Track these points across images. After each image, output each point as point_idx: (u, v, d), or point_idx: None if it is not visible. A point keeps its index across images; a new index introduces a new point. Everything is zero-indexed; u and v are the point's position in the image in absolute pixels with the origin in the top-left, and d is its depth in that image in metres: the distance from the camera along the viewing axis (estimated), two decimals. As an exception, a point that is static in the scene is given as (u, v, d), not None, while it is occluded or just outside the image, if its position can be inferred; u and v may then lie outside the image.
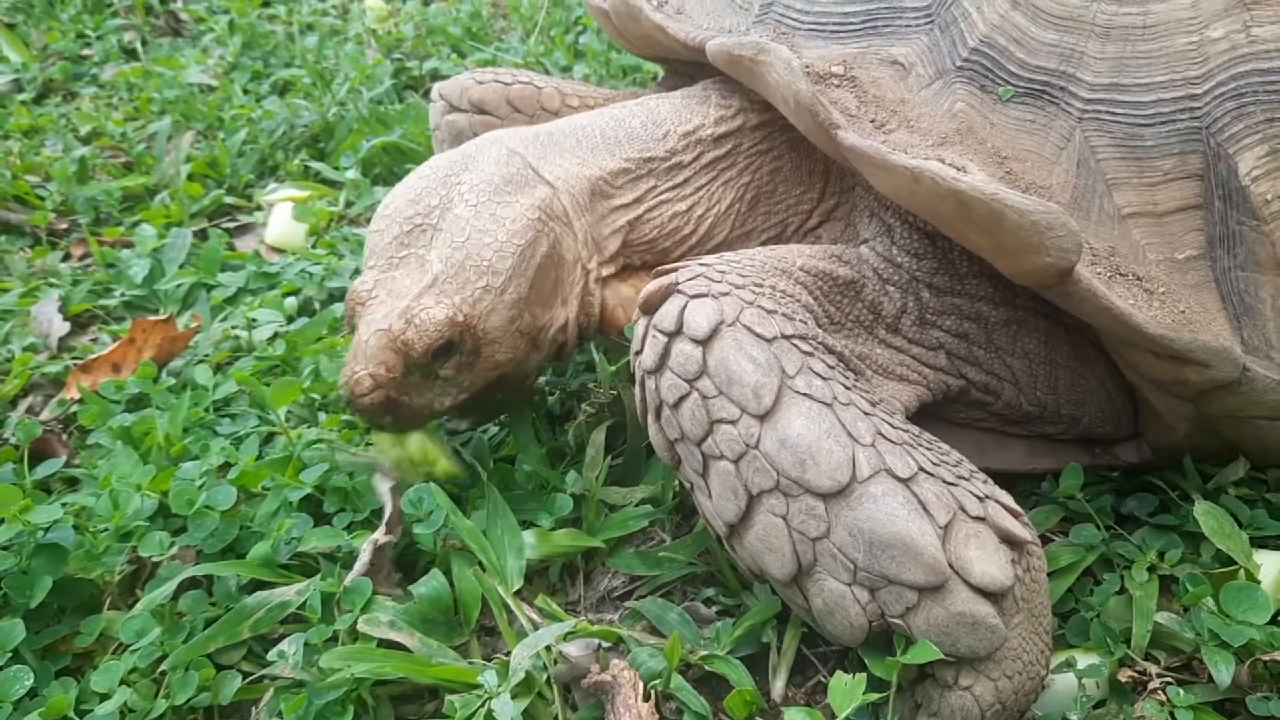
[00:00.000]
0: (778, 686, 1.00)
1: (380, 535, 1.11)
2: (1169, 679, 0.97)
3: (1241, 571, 1.02)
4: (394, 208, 1.16)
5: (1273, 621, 0.99)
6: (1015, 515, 0.90)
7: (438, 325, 1.08)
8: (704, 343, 0.92)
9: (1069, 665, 0.96)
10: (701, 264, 1.00)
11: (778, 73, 1.06)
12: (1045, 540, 1.13)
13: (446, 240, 1.12)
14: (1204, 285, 1.01)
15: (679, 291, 0.96)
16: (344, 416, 1.35)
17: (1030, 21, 1.03)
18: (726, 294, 0.95)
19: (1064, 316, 1.08)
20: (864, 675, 0.89)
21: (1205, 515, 1.06)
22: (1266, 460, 1.16)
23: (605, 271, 1.23)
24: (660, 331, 0.95)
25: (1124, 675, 0.96)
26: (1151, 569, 1.06)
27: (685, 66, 1.44)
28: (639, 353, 0.99)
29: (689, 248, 1.24)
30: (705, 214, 1.25)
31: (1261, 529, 1.11)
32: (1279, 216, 0.99)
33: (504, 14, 3.08)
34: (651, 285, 1.00)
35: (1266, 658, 0.94)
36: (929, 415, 1.14)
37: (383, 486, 1.17)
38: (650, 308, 0.98)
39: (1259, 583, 1.01)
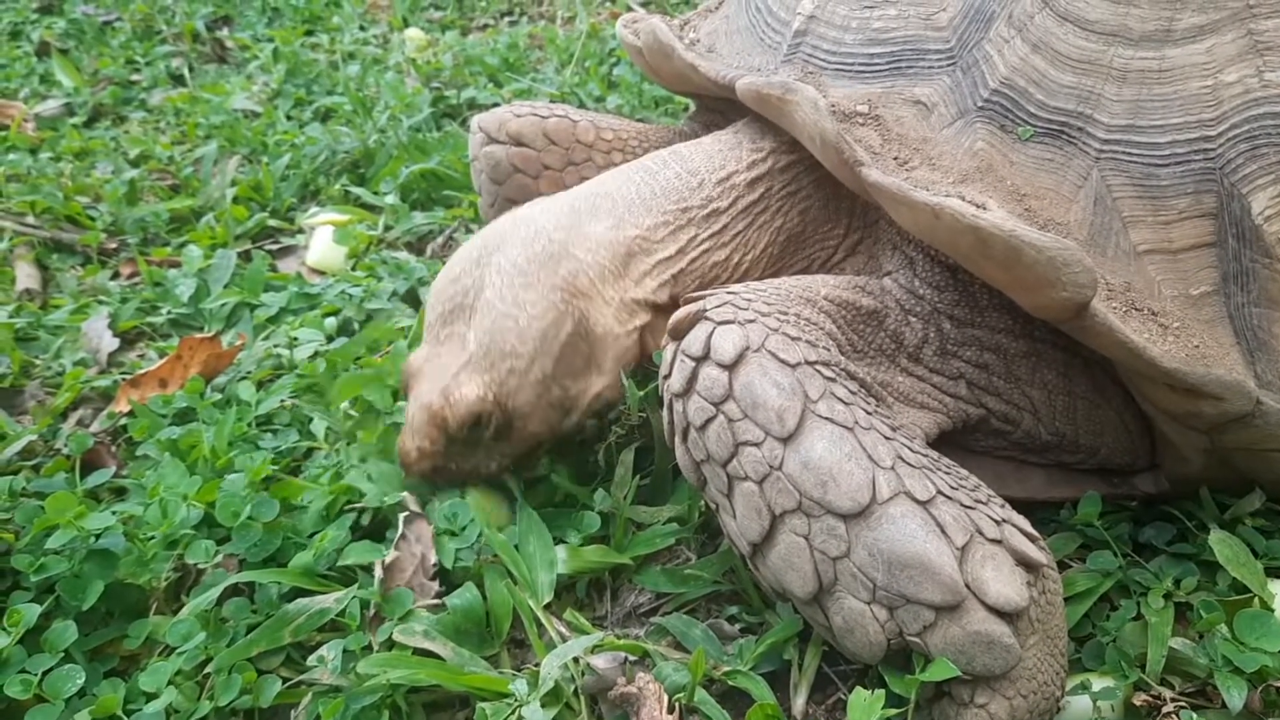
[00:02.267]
0: (798, 703, 1.02)
1: (389, 555, 1.15)
2: (1183, 704, 0.98)
3: (1256, 600, 1.03)
4: (439, 286, 1.23)
5: (1287, 650, 1.00)
6: (1031, 539, 0.92)
7: (469, 403, 1.15)
8: (730, 367, 0.96)
9: (1084, 688, 0.97)
10: (729, 292, 1.04)
11: (804, 111, 1.09)
12: (1063, 566, 1.14)
13: (479, 322, 1.18)
14: (1218, 321, 1.03)
15: (706, 318, 1.00)
16: (382, 430, 1.39)
17: (1049, 64, 1.06)
18: (752, 321, 0.98)
19: (1082, 349, 1.10)
20: (882, 692, 0.92)
21: (1220, 544, 1.07)
22: (1282, 492, 1.17)
23: (642, 321, 1.24)
24: (688, 356, 0.99)
25: (1138, 699, 0.98)
26: (1167, 596, 1.07)
27: (716, 102, 1.48)
28: (667, 376, 1.02)
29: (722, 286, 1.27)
30: (741, 260, 1.27)
31: (1277, 559, 1.12)
32: (1292, 254, 1.01)
33: (540, 45, 3.14)
34: (680, 312, 1.03)
35: (1278, 684, 0.96)
36: (950, 443, 1.16)
37: (412, 506, 1.22)
38: (678, 333, 1.02)
39: (1273, 611, 1.02)
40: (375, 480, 1.27)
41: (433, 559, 1.17)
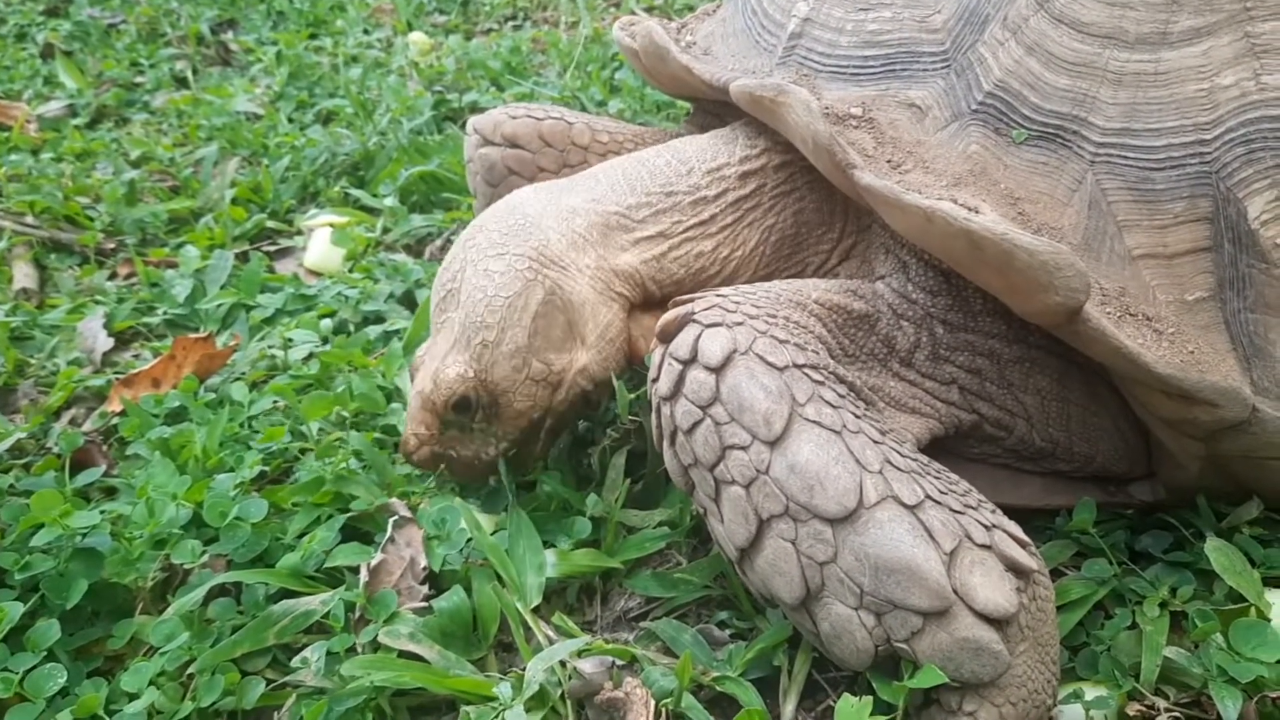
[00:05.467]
0: (788, 709, 1.02)
1: (375, 558, 1.14)
2: (1177, 714, 0.97)
3: (1252, 609, 1.03)
4: (437, 277, 1.24)
5: (1282, 660, 0.99)
6: (1022, 544, 0.91)
7: (450, 382, 1.15)
8: (717, 370, 0.95)
9: (1077, 697, 0.96)
10: (718, 294, 1.03)
11: (797, 114, 1.09)
12: (1058, 574, 1.13)
13: (459, 302, 1.19)
14: (1213, 326, 1.02)
15: (694, 320, 0.99)
16: (376, 434, 1.39)
17: (1044, 67, 1.05)
18: (740, 323, 0.97)
19: (1076, 355, 1.09)
20: (870, 699, 0.91)
21: (1216, 553, 1.06)
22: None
23: (630, 294, 1.24)
24: (676, 359, 0.98)
25: (1132, 709, 0.97)
26: (1163, 605, 1.06)
27: (713, 105, 1.47)
28: (655, 379, 1.01)
29: (713, 289, 1.27)
30: (730, 255, 1.26)
31: (1274, 568, 1.10)
32: (1288, 260, 1.00)
33: (543, 49, 3.15)
34: (668, 314, 1.03)
35: (1274, 695, 0.95)
36: (944, 450, 1.16)
37: (401, 511, 1.21)
38: (667, 336, 1.01)
39: (1269, 620, 1.01)
40: (364, 485, 1.26)
41: (422, 563, 1.16)
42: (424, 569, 1.16)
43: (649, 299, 1.26)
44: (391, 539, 1.17)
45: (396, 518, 1.20)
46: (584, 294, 1.20)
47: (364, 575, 1.11)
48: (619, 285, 1.23)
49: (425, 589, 1.15)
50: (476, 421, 1.19)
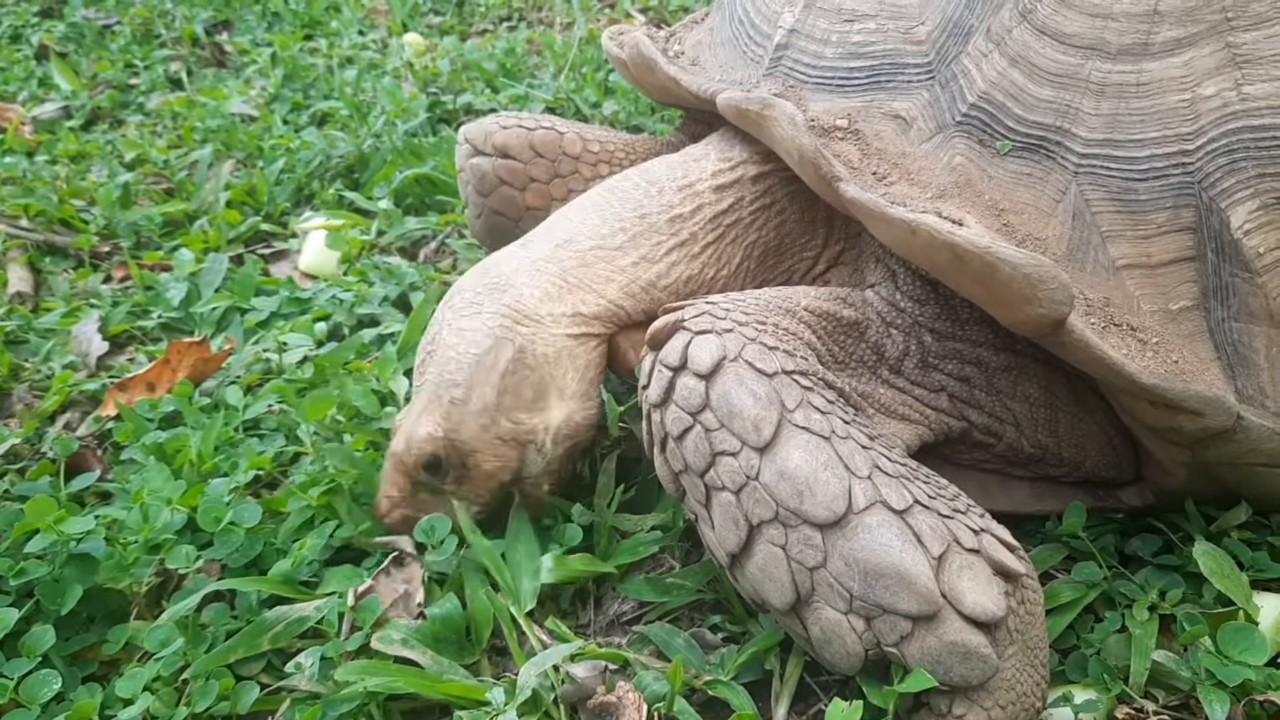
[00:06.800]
0: (779, 713, 1.02)
1: (364, 585, 1.14)
2: (1165, 717, 0.98)
3: (1241, 613, 1.03)
4: (421, 341, 1.23)
5: (1271, 663, 1.00)
6: (1010, 548, 0.92)
7: (420, 442, 1.13)
8: (707, 377, 0.95)
9: (1066, 700, 0.97)
10: (707, 302, 1.04)
11: (782, 127, 1.09)
12: (1048, 578, 1.14)
13: (433, 362, 1.18)
14: (1198, 335, 1.03)
15: (684, 328, 1.00)
16: (369, 439, 1.40)
17: (1027, 78, 1.06)
18: (729, 330, 0.98)
19: (1063, 363, 1.10)
20: (860, 703, 0.92)
21: (1205, 556, 1.07)
22: (1268, 505, 1.17)
23: (602, 331, 1.22)
24: (665, 366, 0.99)
25: (1121, 712, 0.97)
26: (1152, 608, 1.07)
27: (702, 114, 1.48)
28: (645, 386, 1.02)
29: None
30: (716, 275, 1.25)
31: (1263, 571, 1.11)
32: (1271, 269, 1.01)
33: (538, 51, 3.15)
34: (658, 322, 1.03)
35: (1262, 698, 0.95)
36: (934, 456, 1.17)
37: (406, 548, 1.21)
38: (656, 343, 1.02)
39: (1257, 624, 1.02)
40: (351, 513, 1.26)
41: (418, 599, 1.15)
42: (419, 605, 1.15)
43: (639, 323, 1.24)
44: (386, 571, 1.17)
45: (396, 553, 1.19)
46: (560, 345, 1.18)
47: (350, 600, 1.12)
48: (598, 326, 1.21)
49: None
50: (447, 483, 1.17)
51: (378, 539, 1.21)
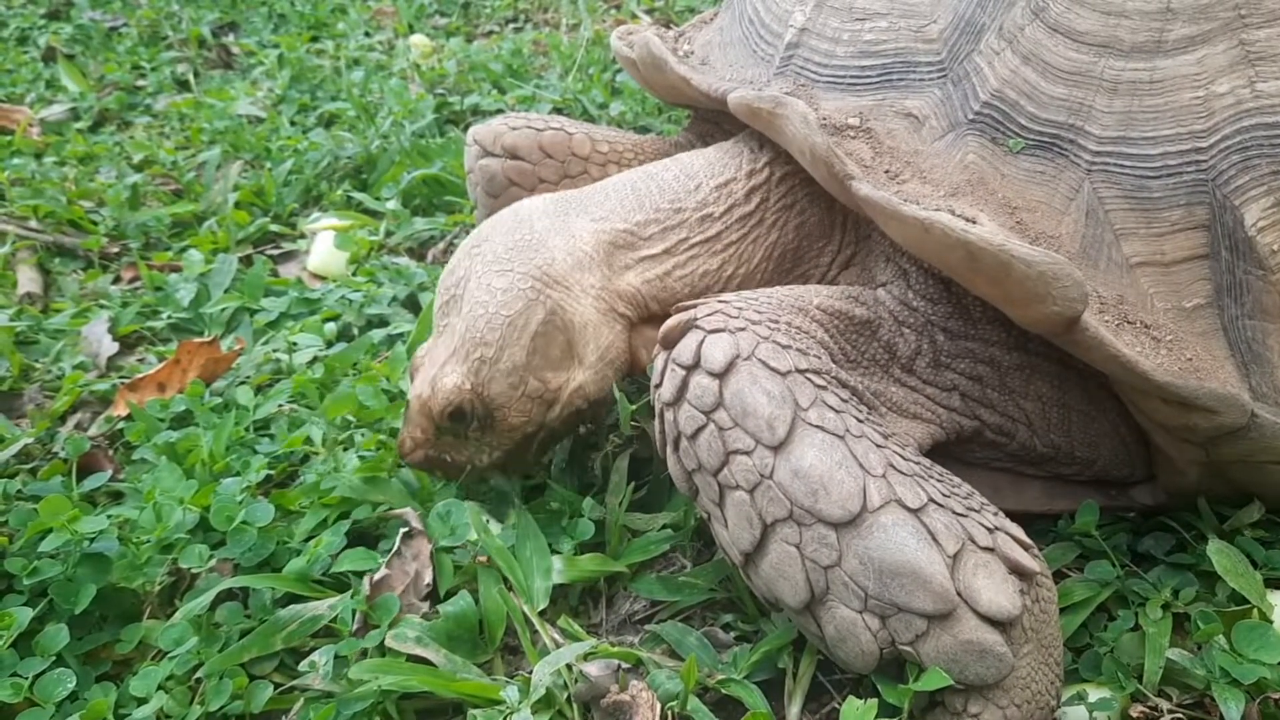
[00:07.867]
0: (793, 712, 1.02)
1: (379, 572, 1.15)
2: (1180, 715, 0.98)
3: (1255, 611, 1.03)
4: (441, 278, 1.24)
5: (1284, 661, 1.00)
6: (1025, 547, 0.92)
7: (446, 392, 1.16)
8: (720, 376, 0.95)
9: (1080, 698, 0.97)
10: (720, 300, 1.04)
11: (794, 125, 1.09)
12: (1060, 576, 1.14)
13: (462, 311, 1.19)
14: (1211, 333, 1.03)
15: (697, 327, 1.00)
16: (380, 437, 1.40)
17: (1040, 76, 1.06)
18: (743, 329, 0.98)
19: (1076, 362, 1.10)
20: (875, 702, 0.92)
21: (1218, 555, 1.07)
22: (1280, 504, 1.17)
23: (625, 315, 1.24)
24: (679, 365, 0.99)
25: (1135, 710, 0.97)
26: (1166, 606, 1.07)
27: (711, 114, 1.48)
28: (658, 385, 1.02)
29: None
30: (735, 273, 1.26)
31: (1277, 570, 1.11)
32: (1285, 266, 1.01)
33: (544, 52, 3.15)
34: (671, 321, 1.03)
35: (1277, 696, 0.95)
36: (946, 455, 1.16)
37: (413, 523, 1.22)
38: (669, 342, 1.02)
39: (1272, 622, 1.02)
40: (366, 491, 1.27)
41: (427, 578, 1.16)
42: (428, 585, 1.16)
43: (651, 316, 1.26)
44: (398, 551, 1.17)
45: (407, 529, 1.20)
46: (586, 315, 1.20)
47: (365, 588, 1.12)
48: (622, 306, 1.23)
49: (425, 606, 1.16)
50: (471, 431, 1.20)
51: (388, 511, 1.24)
